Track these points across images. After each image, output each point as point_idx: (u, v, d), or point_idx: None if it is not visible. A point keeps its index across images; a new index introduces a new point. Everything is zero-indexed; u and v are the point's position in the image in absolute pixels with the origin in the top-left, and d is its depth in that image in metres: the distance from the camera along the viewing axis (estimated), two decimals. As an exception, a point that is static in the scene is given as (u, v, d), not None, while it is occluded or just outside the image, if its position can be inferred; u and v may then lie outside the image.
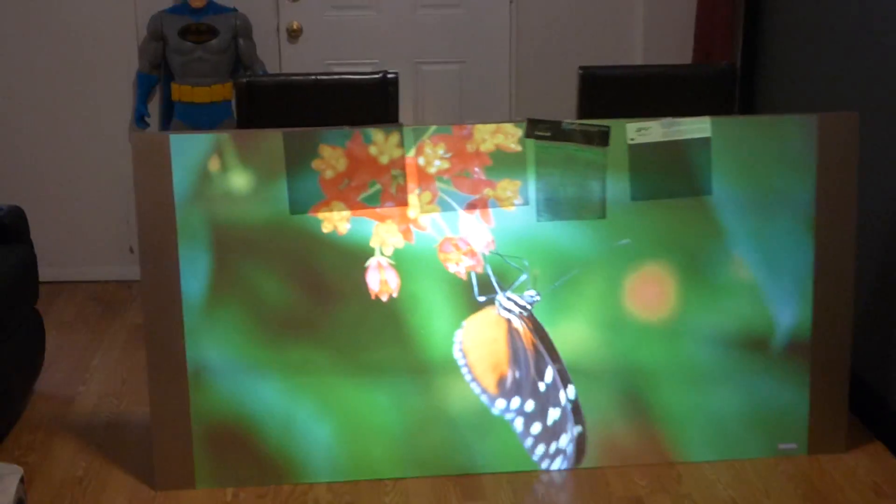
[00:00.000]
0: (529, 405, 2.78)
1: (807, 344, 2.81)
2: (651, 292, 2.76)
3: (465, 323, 2.73)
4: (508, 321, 2.75)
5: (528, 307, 2.74)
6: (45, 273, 4.04)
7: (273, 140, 2.62)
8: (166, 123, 4.08)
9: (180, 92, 3.95)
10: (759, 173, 2.74)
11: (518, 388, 2.77)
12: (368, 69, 3.68)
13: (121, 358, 3.59)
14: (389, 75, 3.14)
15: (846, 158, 2.75)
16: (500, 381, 2.77)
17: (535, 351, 2.76)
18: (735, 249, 2.76)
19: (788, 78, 3.62)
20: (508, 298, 2.73)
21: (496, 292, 2.72)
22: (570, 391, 2.78)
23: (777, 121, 2.76)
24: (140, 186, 2.61)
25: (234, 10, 4.00)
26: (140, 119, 4.05)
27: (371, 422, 2.75)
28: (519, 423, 2.79)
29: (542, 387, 2.78)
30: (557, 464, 2.80)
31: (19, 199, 4.01)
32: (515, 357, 2.76)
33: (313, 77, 3.14)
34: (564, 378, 2.77)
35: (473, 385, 2.75)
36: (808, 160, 2.74)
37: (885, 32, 2.95)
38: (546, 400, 2.78)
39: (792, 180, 2.75)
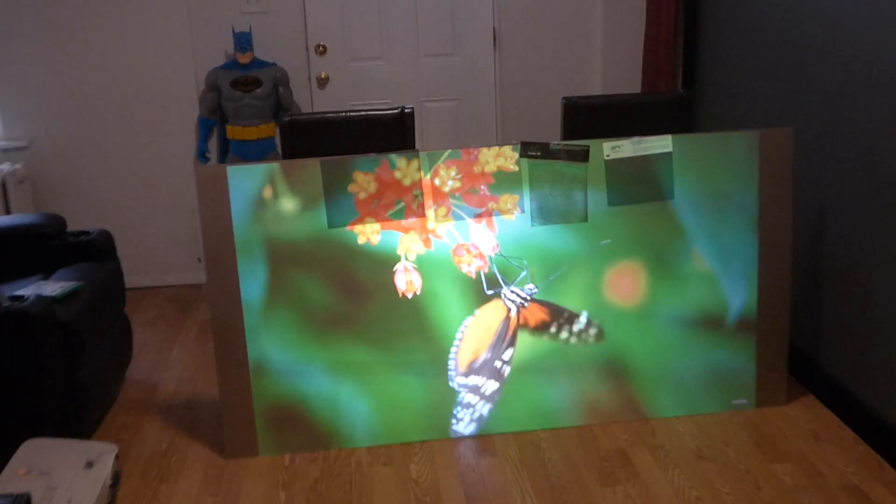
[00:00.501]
0: (480, 381, 2.67)
1: (753, 320, 2.74)
2: (626, 282, 2.67)
3: (477, 311, 2.62)
4: (509, 310, 2.64)
5: (529, 298, 2.63)
6: (130, 281, 4.00)
7: (313, 168, 2.53)
8: (223, 157, 4.03)
9: (233, 132, 3.87)
10: (711, 181, 2.65)
11: (481, 369, 2.66)
12: (383, 107, 3.58)
13: (194, 349, 3.49)
14: (406, 110, 3.04)
15: (783, 166, 2.66)
16: (472, 363, 2.65)
17: (512, 335, 2.65)
18: (694, 245, 2.67)
19: (720, 102, 3.55)
20: (512, 291, 2.62)
21: (502, 287, 2.62)
22: (583, 315, 2.65)
23: (726, 137, 2.65)
24: (204, 210, 2.52)
25: (275, 63, 3.92)
26: (202, 155, 4.00)
27: (401, 397, 2.66)
28: (464, 395, 2.67)
29: (497, 364, 2.67)
30: (471, 429, 2.68)
31: (108, 223, 4.09)
32: (496, 342, 2.66)
33: (343, 114, 3.04)
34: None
35: (451, 361, 2.64)
36: (751, 169, 2.65)
37: (803, 64, 2.86)
38: (492, 374, 2.67)
39: (739, 186, 2.66)
